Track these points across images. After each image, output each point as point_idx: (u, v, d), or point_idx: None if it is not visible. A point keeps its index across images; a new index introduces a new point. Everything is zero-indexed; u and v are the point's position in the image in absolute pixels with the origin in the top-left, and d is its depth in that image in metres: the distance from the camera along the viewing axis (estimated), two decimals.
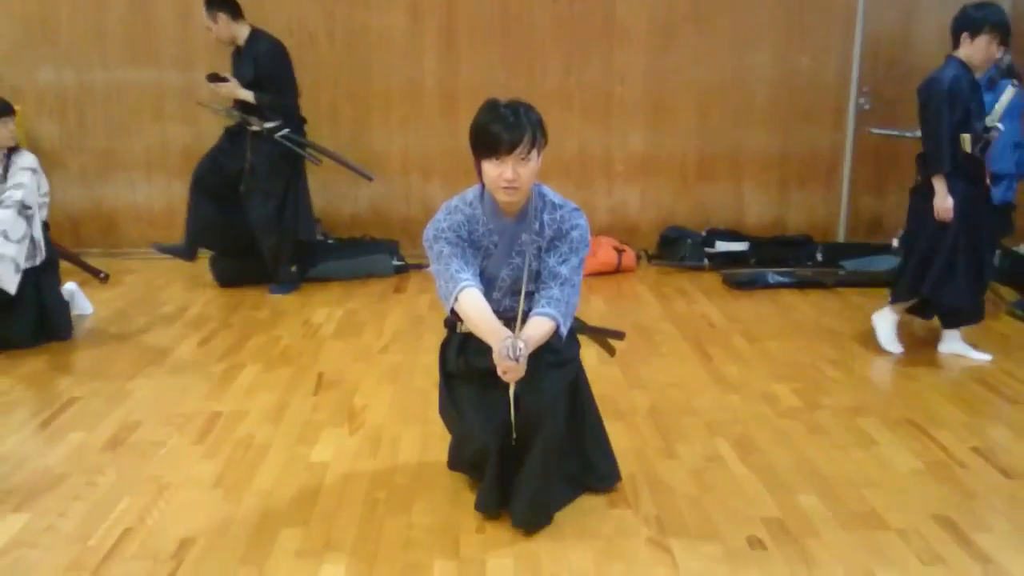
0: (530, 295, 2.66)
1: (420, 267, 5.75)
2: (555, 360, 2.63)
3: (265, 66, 5.10)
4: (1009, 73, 4.45)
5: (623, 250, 5.91)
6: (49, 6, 5.87)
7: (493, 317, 2.55)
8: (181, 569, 2.48)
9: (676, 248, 6.06)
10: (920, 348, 4.44)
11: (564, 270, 2.61)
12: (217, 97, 5.28)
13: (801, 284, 5.53)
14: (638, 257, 6.09)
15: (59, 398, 3.72)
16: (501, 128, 2.47)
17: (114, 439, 3.31)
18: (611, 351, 3.16)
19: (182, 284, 5.50)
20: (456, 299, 2.56)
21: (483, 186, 2.63)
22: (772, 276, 5.54)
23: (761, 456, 3.20)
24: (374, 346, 4.40)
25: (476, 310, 2.55)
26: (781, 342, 4.53)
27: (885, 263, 5.64)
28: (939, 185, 3.92)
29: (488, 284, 2.67)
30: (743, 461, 3.16)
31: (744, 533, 2.67)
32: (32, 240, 4.24)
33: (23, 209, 4.17)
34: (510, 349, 2.41)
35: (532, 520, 2.66)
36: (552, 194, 2.70)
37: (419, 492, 2.92)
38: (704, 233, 6.08)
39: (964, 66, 3.92)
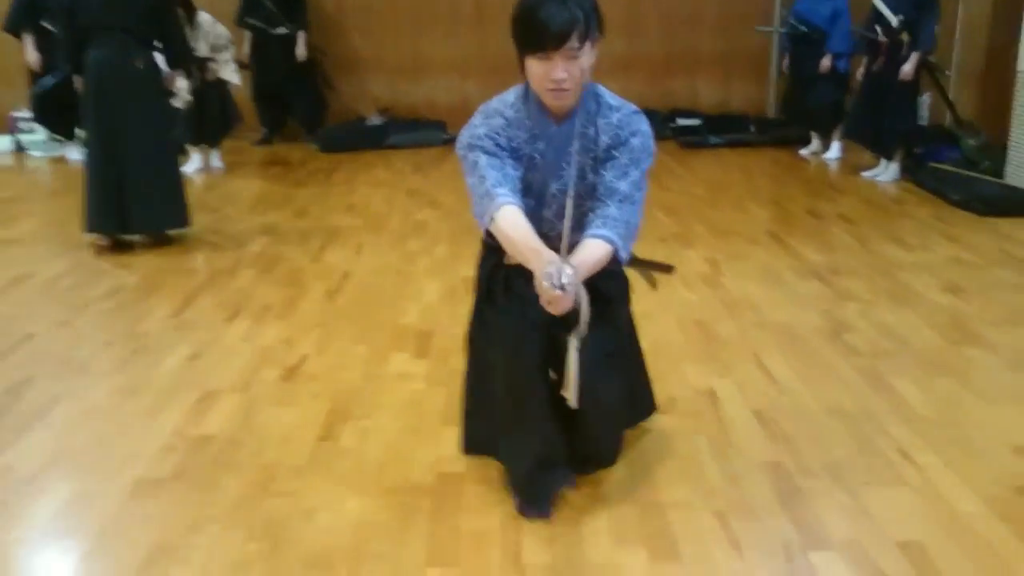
0: (582, 214, 2.21)
1: None
2: (610, 349, 2.34)
3: None
4: None
5: None
6: None
7: (535, 238, 2.11)
8: (351, 280, 4.78)
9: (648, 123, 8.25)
10: (796, 170, 6.72)
11: (623, 186, 2.18)
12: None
13: (733, 144, 7.77)
14: None
15: (264, 189, 6.08)
16: (548, 16, 2.04)
17: (295, 214, 5.63)
18: (653, 284, 2.71)
19: (297, 151, 7.77)
20: (492, 219, 2.13)
21: (527, 85, 2.23)
22: (712, 139, 7.79)
23: (679, 217, 5.47)
24: (439, 177, 6.69)
25: (516, 229, 2.11)
26: (709, 171, 6.81)
27: (798, 132, 7.81)
28: None
29: (536, 201, 2.28)
30: (668, 217, 5.43)
31: (660, 238, 4.96)
32: None
33: None
34: (555, 275, 1.98)
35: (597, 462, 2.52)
36: (608, 94, 2.27)
37: None
38: (668, 112, 8.28)
39: None
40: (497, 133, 2.23)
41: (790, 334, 3.55)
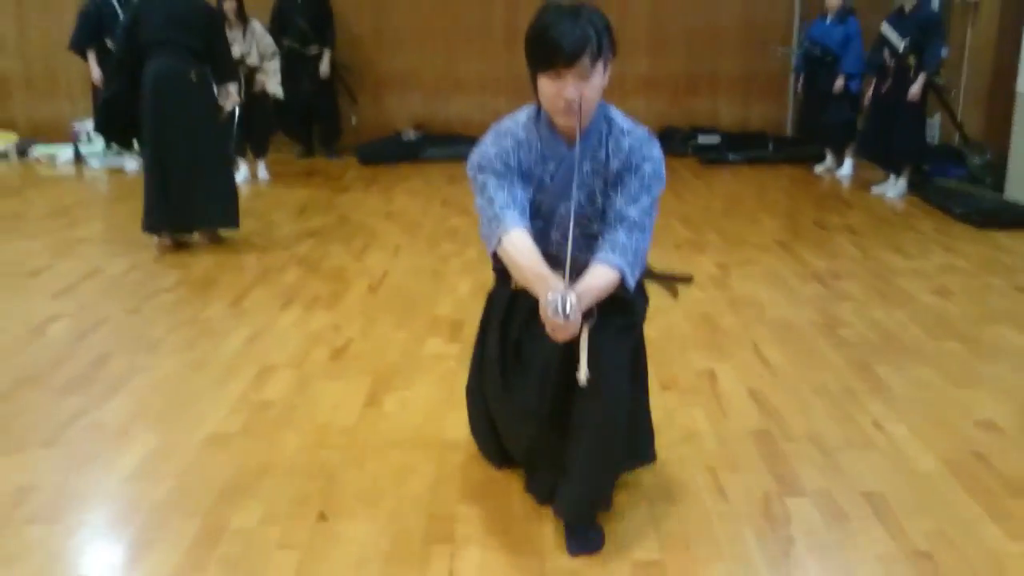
0: (591, 237, 2.23)
1: None
2: (623, 323, 2.30)
3: (326, 9, 8.11)
4: (851, 11, 7.02)
5: None
6: None
7: (542, 263, 2.13)
8: (390, 277, 5.20)
9: (670, 141, 8.63)
10: (809, 185, 7.08)
11: (633, 212, 2.17)
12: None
13: (751, 160, 8.13)
14: None
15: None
16: (560, 34, 2.05)
17: (337, 220, 6.07)
18: (674, 293, 2.71)
19: (337, 164, 8.23)
20: (499, 241, 2.16)
21: (539, 106, 2.24)
22: (731, 156, 8.15)
23: (694, 226, 5.84)
24: (470, 188, 7.10)
25: (522, 254, 2.14)
26: (727, 186, 7.18)
27: (814, 150, 8.15)
28: None
29: (545, 222, 2.28)
30: (683, 226, 5.81)
31: (675, 245, 5.33)
32: None
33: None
34: (559, 304, 2.02)
35: (581, 513, 2.35)
36: (621, 117, 2.27)
37: None
38: (689, 130, 8.67)
39: None
40: (508, 154, 2.22)
41: (787, 328, 3.92)
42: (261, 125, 7.21)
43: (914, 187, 6.63)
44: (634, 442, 2.50)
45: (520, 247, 2.14)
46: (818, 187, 7.17)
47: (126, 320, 4.07)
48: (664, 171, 2.25)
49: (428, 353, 3.64)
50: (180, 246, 5.26)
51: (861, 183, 7.12)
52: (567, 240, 2.12)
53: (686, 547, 2.34)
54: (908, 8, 6.33)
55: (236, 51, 6.81)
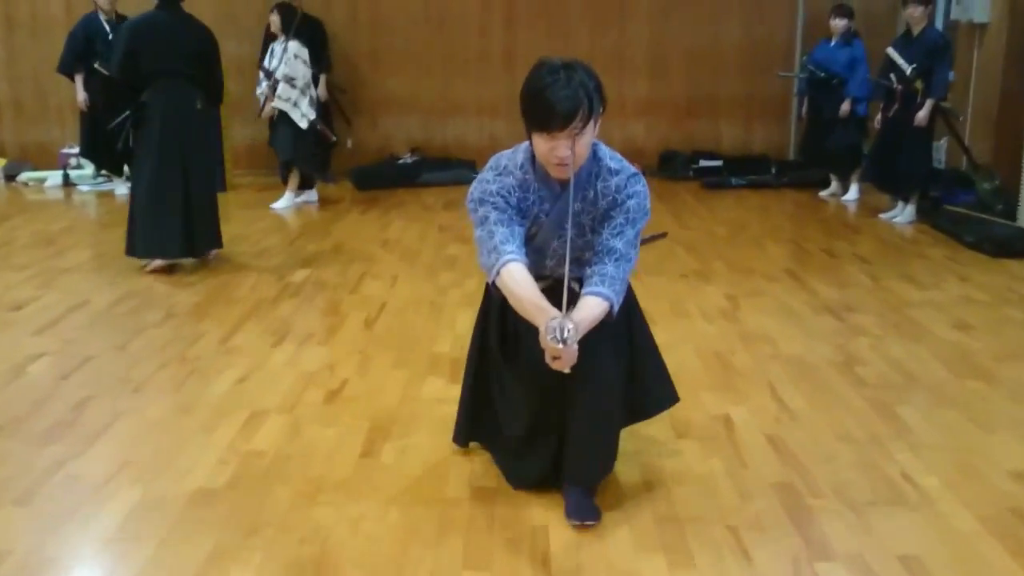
0: (581, 264, 2.43)
1: None
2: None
3: (320, 32, 7.94)
4: (856, 34, 6.92)
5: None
6: None
7: (539, 294, 2.31)
8: (387, 310, 5.03)
9: (671, 165, 8.51)
10: (814, 211, 6.93)
11: (619, 244, 2.36)
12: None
13: (754, 185, 7.98)
14: (643, 171, 8.53)
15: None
16: (554, 99, 2.21)
17: (333, 248, 5.90)
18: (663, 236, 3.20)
19: (333, 188, 8.08)
20: (498, 273, 2.33)
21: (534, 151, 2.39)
22: (733, 180, 8.01)
23: (699, 254, 5.68)
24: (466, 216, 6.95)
25: (521, 287, 2.30)
26: (729, 211, 7.04)
27: (818, 175, 8.00)
28: None
29: (538, 253, 2.48)
30: (688, 255, 5.64)
31: (681, 274, 5.17)
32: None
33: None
34: (558, 330, 2.17)
35: (586, 476, 2.59)
36: (608, 156, 2.44)
37: None
38: (691, 154, 8.53)
39: None
40: (508, 192, 2.41)
41: (803, 366, 3.75)
42: (299, 149, 7.03)
43: (923, 213, 6.49)
44: (659, 390, 2.77)
45: (519, 280, 2.33)
46: (824, 213, 7.03)
47: (112, 358, 3.89)
48: (648, 204, 2.45)
49: (428, 396, 3.46)
50: (172, 268, 5.11)
51: (868, 209, 6.98)
52: (559, 267, 2.37)
53: None
54: (915, 32, 6.21)
55: (266, 63, 6.89)
